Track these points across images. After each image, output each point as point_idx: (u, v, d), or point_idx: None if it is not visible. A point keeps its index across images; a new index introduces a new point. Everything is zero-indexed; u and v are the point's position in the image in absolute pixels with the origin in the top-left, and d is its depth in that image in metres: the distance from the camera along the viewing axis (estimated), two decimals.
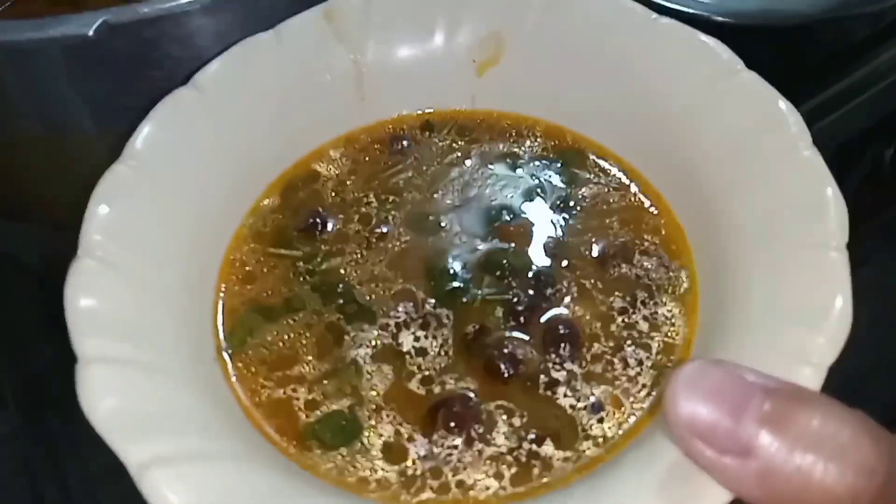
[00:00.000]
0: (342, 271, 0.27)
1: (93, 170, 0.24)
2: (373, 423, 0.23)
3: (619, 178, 0.30)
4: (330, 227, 0.29)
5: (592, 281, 0.27)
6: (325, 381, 0.24)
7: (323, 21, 0.30)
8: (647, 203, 0.29)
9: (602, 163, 0.30)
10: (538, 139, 0.31)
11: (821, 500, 0.16)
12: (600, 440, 0.23)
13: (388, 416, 0.24)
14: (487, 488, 0.22)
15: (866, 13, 0.43)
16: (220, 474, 0.19)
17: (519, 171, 0.30)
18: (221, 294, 0.27)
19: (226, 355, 0.25)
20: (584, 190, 0.29)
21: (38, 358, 0.36)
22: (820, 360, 0.20)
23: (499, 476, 0.22)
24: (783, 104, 0.25)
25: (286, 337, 0.26)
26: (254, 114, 0.28)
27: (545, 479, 0.22)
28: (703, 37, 0.28)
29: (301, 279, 0.27)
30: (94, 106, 0.28)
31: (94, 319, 0.22)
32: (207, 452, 0.20)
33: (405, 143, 0.31)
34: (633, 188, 0.29)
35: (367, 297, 0.26)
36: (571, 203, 0.29)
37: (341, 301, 0.26)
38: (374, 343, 0.25)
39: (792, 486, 0.16)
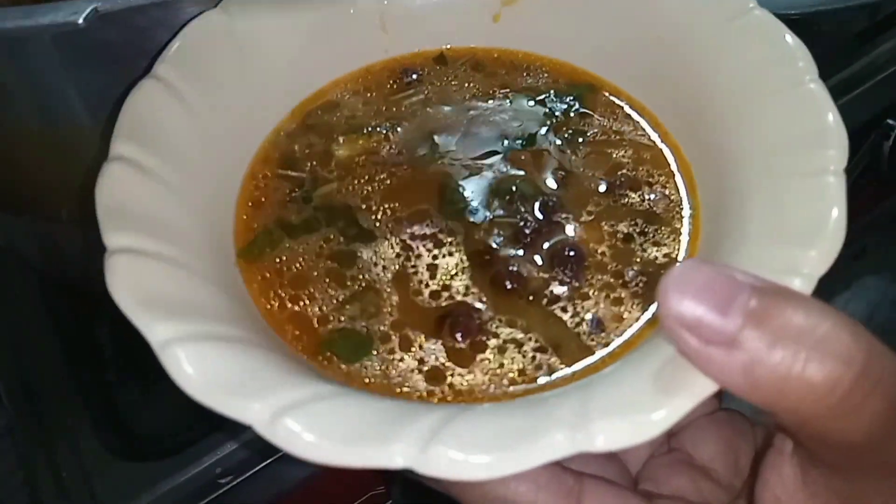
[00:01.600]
0: (353, 194, 0.28)
1: (88, 161, 0.25)
2: (386, 334, 0.25)
3: (630, 116, 0.30)
4: (342, 152, 0.30)
5: (599, 208, 0.27)
6: (342, 300, 0.26)
7: None
8: (655, 139, 0.29)
9: (614, 99, 0.31)
10: (552, 75, 0.32)
11: (801, 387, 0.17)
12: (600, 350, 0.24)
13: (399, 330, 0.25)
14: (489, 388, 0.23)
15: (864, 4, 0.43)
16: (236, 354, 0.21)
17: (531, 103, 0.31)
18: (245, 205, 0.28)
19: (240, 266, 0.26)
20: (595, 124, 0.30)
21: (35, 352, 0.37)
22: (810, 271, 0.20)
23: (500, 378, 0.23)
24: (791, 39, 0.26)
25: (303, 254, 0.27)
26: (279, 40, 0.30)
27: (544, 382, 0.23)
28: None
29: (312, 203, 0.28)
30: (89, 97, 0.28)
31: (123, 216, 0.23)
32: (225, 335, 0.21)
33: (416, 74, 0.32)
34: (644, 125, 0.30)
35: (381, 217, 0.27)
36: (582, 135, 0.30)
37: (352, 223, 0.27)
38: (385, 262, 0.26)
39: (774, 375, 0.17)
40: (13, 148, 0.31)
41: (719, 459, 0.26)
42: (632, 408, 0.18)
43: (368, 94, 0.32)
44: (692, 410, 0.19)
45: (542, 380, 0.23)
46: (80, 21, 0.24)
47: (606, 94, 0.31)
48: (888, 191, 0.51)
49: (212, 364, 0.20)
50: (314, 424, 0.19)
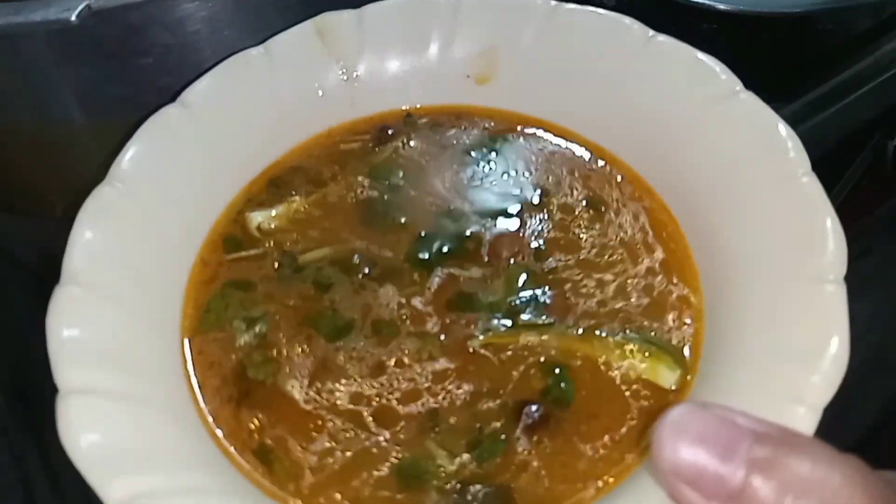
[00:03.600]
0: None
1: (83, 159, 0.24)
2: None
3: (612, 175, 0.29)
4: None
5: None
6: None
7: (314, 36, 0.29)
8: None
9: (605, 167, 0.29)
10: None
11: None
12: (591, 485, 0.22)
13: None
14: None
15: (867, 4, 0.42)
16: None
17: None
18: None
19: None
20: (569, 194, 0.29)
21: (30, 351, 0.36)
22: (814, 401, 0.19)
23: None
24: (782, 128, 0.25)
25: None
26: (242, 129, 0.28)
27: None
28: (702, 56, 0.27)
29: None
30: (83, 95, 0.28)
31: (77, 349, 0.21)
32: (185, 487, 0.19)
33: (391, 131, 0.30)
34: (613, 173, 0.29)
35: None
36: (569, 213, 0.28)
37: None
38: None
39: None
40: (6, 145, 0.30)
41: None
42: None
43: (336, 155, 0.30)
44: None
45: None
46: (73, 18, 0.24)
47: (603, 163, 0.29)
48: (892, 190, 0.51)
49: None
50: None
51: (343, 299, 0.26)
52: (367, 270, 0.26)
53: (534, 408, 0.23)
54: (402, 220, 0.28)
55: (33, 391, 0.34)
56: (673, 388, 0.23)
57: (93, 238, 0.23)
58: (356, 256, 0.27)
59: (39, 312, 0.38)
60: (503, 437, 0.23)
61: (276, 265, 0.27)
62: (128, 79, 0.27)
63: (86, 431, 0.20)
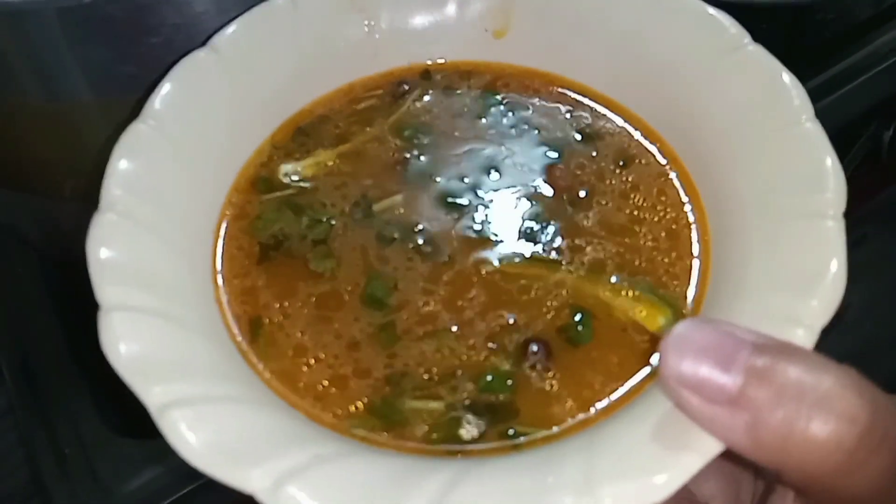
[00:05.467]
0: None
1: (91, 138, 0.25)
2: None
3: (628, 131, 0.30)
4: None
5: (601, 243, 0.27)
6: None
7: None
8: (663, 162, 0.29)
9: (615, 118, 0.30)
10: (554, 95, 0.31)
11: (804, 447, 0.17)
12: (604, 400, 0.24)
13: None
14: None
15: None
16: (234, 416, 0.20)
17: (527, 123, 0.30)
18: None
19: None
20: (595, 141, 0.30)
21: (36, 331, 0.37)
22: (812, 322, 0.20)
23: None
24: (787, 77, 0.26)
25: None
26: (268, 77, 0.29)
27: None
28: (711, 9, 0.28)
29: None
30: (93, 73, 0.28)
31: (115, 269, 0.22)
32: (221, 396, 0.21)
33: (406, 86, 0.31)
34: (637, 136, 0.30)
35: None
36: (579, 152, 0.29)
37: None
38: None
39: (777, 434, 0.17)
40: (15, 123, 0.30)
41: (720, 496, 0.26)
42: (638, 471, 0.18)
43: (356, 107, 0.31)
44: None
45: (545, 432, 0.23)
46: None
47: (606, 110, 0.31)
48: (888, 179, 0.52)
49: (210, 429, 0.19)
50: (318, 491, 0.19)
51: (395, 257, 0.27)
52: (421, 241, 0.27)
53: (535, 348, 0.24)
54: (434, 175, 0.29)
55: (40, 370, 0.35)
56: None
57: (127, 169, 0.24)
58: (420, 224, 0.27)
59: (46, 293, 0.38)
60: (509, 381, 0.24)
61: (353, 206, 0.28)
62: (137, 58, 0.27)
63: (126, 342, 0.21)
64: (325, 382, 0.24)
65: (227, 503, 0.32)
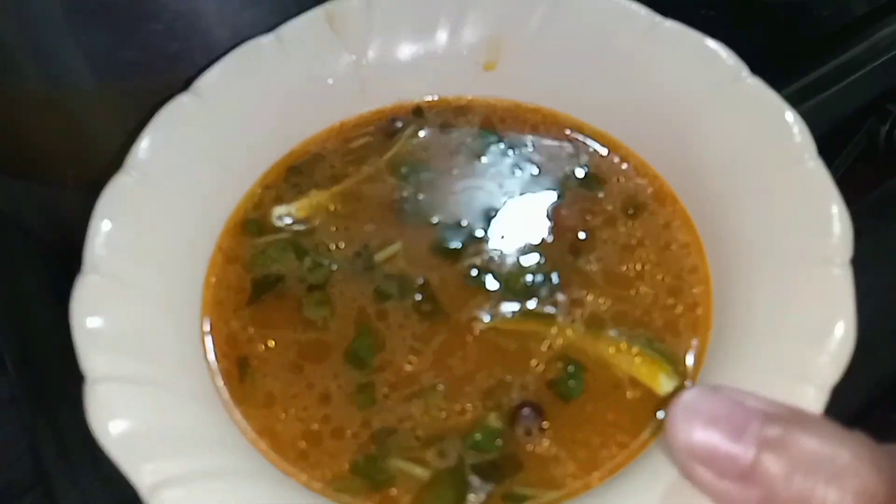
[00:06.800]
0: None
1: (92, 124, 0.24)
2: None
3: (624, 169, 0.29)
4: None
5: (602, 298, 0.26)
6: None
7: (324, 23, 0.29)
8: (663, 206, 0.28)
9: (615, 157, 0.30)
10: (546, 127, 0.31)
11: None
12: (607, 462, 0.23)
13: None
14: None
15: None
16: (227, 493, 0.20)
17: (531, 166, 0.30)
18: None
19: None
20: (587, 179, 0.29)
21: (37, 320, 0.36)
22: (823, 381, 0.20)
23: None
24: (788, 113, 0.25)
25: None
26: (255, 118, 0.28)
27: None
28: (709, 41, 0.27)
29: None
30: (93, 59, 0.28)
31: (101, 337, 0.22)
32: (212, 470, 0.20)
33: (399, 123, 0.31)
34: (639, 179, 0.29)
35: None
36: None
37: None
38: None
39: None
40: (16, 109, 0.30)
41: None
42: None
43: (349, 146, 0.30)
44: None
45: (548, 496, 0.22)
46: None
47: (607, 148, 0.30)
48: (884, 175, 0.51)
49: None
50: None
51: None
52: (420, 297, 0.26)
53: (525, 412, 0.24)
54: (433, 217, 0.28)
55: (42, 359, 0.35)
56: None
57: (112, 227, 0.24)
58: (420, 278, 0.27)
59: (47, 282, 0.38)
60: (498, 440, 0.23)
61: (354, 254, 0.27)
62: (138, 44, 0.27)
63: (115, 418, 0.20)
64: (306, 443, 0.23)
65: None
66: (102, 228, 0.24)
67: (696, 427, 0.18)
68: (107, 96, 0.25)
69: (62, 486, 0.31)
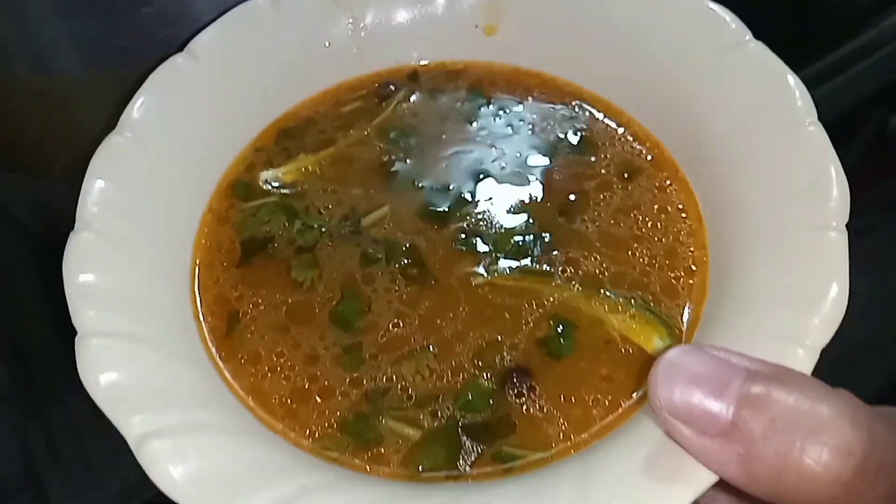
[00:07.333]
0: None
1: (82, 114, 0.24)
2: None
3: (620, 133, 0.29)
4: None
5: (597, 257, 0.26)
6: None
7: None
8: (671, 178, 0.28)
9: (611, 122, 0.29)
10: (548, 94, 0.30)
11: (799, 480, 0.16)
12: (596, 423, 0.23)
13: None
14: None
15: None
16: (214, 445, 0.20)
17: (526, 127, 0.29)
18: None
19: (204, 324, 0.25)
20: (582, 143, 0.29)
21: (27, 318, 0.36)
22: (813, 342, 0.20)
23: None
24: (790, 77, 0.25)
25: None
26: (250, 80, 0.28)
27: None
28: (713, 5, 0.27)
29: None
30: (84, 46, 0.27)
31: (93, 293, 0.22)
32: (199, 424, 0.20)
33: (393, 87, 0.30)
34: (635, 143, 0.28)
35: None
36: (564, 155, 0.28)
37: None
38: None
39: (771, 467, 0.17)
40: (5, 99, 0.30)
41: None
42: (632, 502, 0.18)
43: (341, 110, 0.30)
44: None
45: (536, 456, 0.22)
46: None
47: (602, 115, 0.29)
48: (894, 168, 0.50)
49: (191, 462, 0.19)
50: None
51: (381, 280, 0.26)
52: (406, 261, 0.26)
53: (515, 377, 0.23)
54: (421, 181, 0.28)
55: (32, 357, 0.35)
56: None
57: (105, 186, 0.24)
58: (407, 243, 0.26)
59: (38, 278, 0.37)
60: (490, 400, 0.23)
61: (342, 218, 0.27)
62: (129, 30, 0.27)
63: (104, 371, 0.20)
64: (293, 401, 0.23)
65: None
66: (95, 187, 0.24)
67: (677, 385, 0.17)
68: (97, 85, 0.25)
69: (53, 485, 0.31)
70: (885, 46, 0.43)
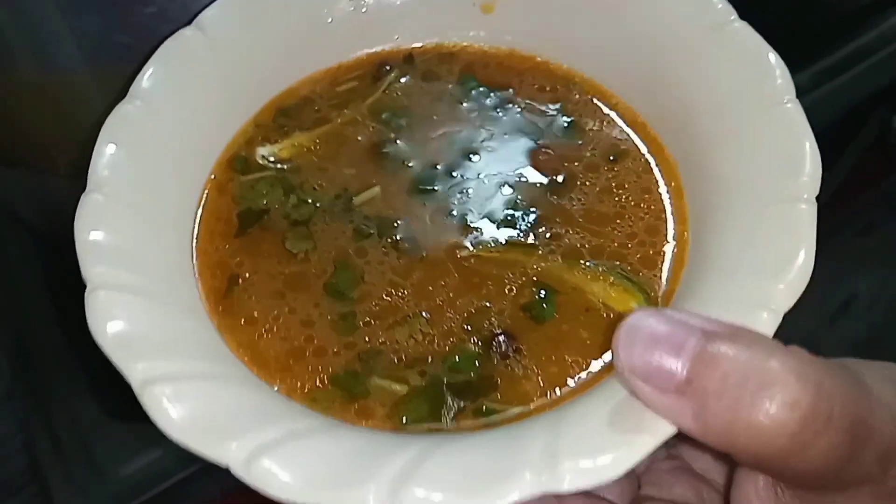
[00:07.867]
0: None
1: (85, 112, 0.24)
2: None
3: (609, 116, 0.30)
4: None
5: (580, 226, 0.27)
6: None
7: None
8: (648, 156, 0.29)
9: (599, 104, 0.30)
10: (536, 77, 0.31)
11: (749, 432, 0.17)
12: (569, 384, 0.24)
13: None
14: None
15: None
16: (211, 392, 0.21)
17: (509, 107, 0.30)
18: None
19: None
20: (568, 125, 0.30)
21: (32, 316, 0.37)
22: (777, 306, 0.21)
23: None
24: (772, 56, 0.26)
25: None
26: (255, 55, 0.29)
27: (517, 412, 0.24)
28: None
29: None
30: (86, 43, 0.28)
31: (102, 250, 0.23)
32: (199, 373, 0.22)
33: (388, 67, 0.32)
34: (621, 123, 0.30)
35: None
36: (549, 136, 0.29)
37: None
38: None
39: (723, 421, 0.18)
40: (7, 95, 0.30)
41: (714, 468, 0.26)
42: (596, 450, 0.19)
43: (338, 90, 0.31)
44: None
45: (515, 410, 0.23)
46: None
47: (594, 98, 0.30)
48: (894, 166, 0.50)
49: (189, 405, 0.20)
50: (289, 465, 0.19)
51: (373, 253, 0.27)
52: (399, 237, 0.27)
53: (499, 340, 0.25)
54: (411, 160, 0.29)
55: (36, 354, 0.35)
56: None
57: (115, 151, 0.25)
58: (398, 220, 0.28)
59: (41, 274, 0.37)
60: (476, 362, 0.25)
61: (335, 196, 0.28)
62: (130, 28, 0.27)
63: (111, 320, 0.22)
64: (287, 358, 0.25)
65: (221, 487, 0.33)
66: (106, 151, 0.25)
67: (637, 345, 0.19)
68: (99, 82, 0.26)
69: (57, 482, 0.32)
70: (885, 46, 0.43)
